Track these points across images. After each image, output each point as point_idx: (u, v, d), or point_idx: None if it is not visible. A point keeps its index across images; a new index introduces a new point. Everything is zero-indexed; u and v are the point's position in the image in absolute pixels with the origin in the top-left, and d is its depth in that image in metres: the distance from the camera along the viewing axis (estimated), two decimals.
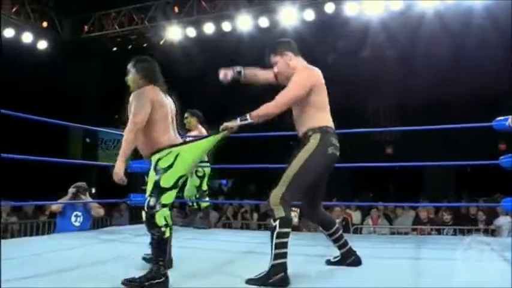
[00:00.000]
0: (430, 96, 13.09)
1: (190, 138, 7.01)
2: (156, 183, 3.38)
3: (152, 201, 3.34)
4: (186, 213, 7.80)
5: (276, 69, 3.74)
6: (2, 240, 4.65)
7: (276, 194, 3.36)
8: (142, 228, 3.78)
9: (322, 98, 3.63)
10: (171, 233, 3.44)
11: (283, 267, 3.27)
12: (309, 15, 11.41)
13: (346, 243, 3.88)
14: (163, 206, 3.36)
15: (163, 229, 3.34)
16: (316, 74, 3.64)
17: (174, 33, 12.59)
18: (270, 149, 12.77)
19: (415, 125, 6.87)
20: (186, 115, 6.98)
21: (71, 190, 6.70)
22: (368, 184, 13.90)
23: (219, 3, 12.12)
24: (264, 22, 11.78)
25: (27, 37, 12.33)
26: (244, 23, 11.88)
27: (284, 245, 3.28)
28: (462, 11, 10.80)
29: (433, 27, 11.16)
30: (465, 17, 10.84)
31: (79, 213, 6.71)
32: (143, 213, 3.40)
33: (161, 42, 13.11)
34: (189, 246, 5.00)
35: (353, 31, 11.84)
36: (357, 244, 4.02)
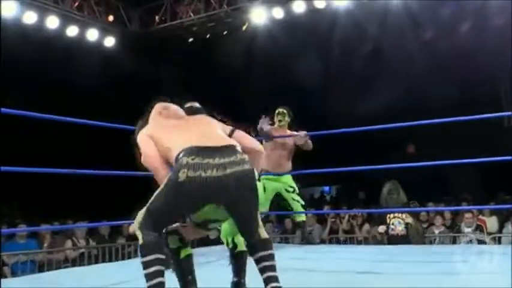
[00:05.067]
0: None
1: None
2: None
3: None
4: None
5: None
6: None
7: (138, 218, 3.13)
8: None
9: (168, 136, 3.36)
10: None
11: None
12: None
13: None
14: None
15: None
16: (155, 125, 3.53)
17: (258, 15, 12.56)
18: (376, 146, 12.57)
19: None
20: (281, 111, 6.98)
21: None
22: (504, 182, 13.33)
23: None
24: None
25: (92, 34, 12.59)
26: None
27: (154, 276, 2.99)
28: None
29: None
30: None
31: None
32: None
33: (244, 28, 13.14)
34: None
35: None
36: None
